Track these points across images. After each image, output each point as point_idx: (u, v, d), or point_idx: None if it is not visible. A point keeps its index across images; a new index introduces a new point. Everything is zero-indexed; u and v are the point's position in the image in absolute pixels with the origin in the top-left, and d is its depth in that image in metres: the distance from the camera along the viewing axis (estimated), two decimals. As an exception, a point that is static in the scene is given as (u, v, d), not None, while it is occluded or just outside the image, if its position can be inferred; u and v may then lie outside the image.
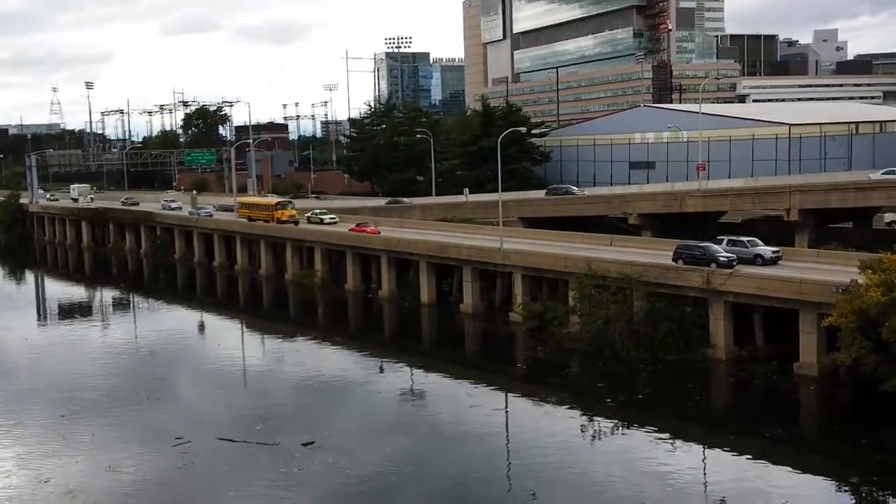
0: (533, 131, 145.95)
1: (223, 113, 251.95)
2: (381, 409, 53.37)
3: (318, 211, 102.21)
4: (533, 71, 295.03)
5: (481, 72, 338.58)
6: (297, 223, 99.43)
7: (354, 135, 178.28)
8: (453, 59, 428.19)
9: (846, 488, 39.65)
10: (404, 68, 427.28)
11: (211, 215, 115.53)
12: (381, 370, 64.42)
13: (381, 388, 58.12)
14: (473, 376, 60.54)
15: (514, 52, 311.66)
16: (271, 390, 57.89)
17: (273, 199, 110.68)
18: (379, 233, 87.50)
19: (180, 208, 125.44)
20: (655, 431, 47.27)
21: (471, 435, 47.55)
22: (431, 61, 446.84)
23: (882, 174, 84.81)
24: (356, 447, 45.68)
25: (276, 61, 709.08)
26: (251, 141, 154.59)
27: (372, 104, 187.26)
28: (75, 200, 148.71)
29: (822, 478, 41.12)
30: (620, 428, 48.43)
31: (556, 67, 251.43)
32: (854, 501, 38.53)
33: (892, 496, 38.49)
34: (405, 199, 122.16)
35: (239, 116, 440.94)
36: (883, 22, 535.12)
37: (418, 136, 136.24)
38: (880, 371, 46.54)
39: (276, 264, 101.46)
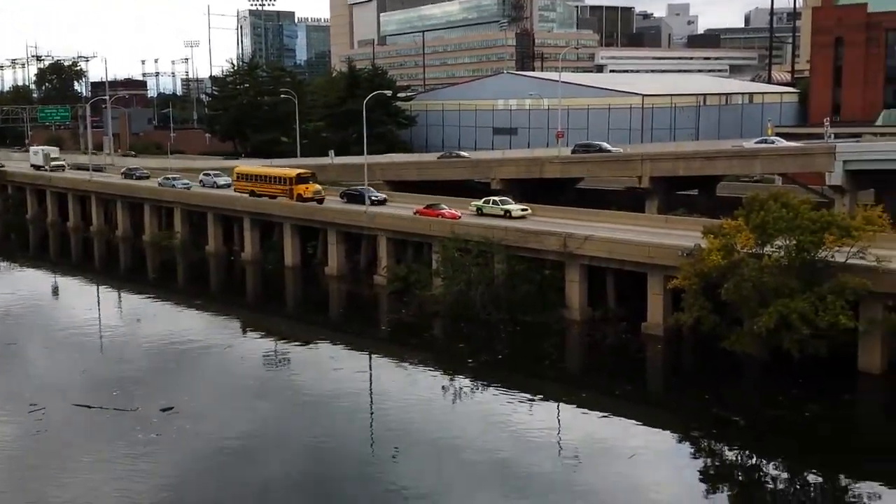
0: (399, 95, 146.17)
1: (78, 68, 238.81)
2: (243, 373, 52.90)
3: (497, 200, 73.89)
4: (399, 34, 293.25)
5: (347, 33, 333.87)
6: (321, 201, 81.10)
7: (216, 93, 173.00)
8: (319, 20, 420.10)
9: (688, 441, 42.39)
10: (268, 27, 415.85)
11: (189, 187, 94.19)
12: (244, 334, 63.77)
13: (243, 353, 57.55)
14: (337, 339, 60.81)
15: (381, 14, 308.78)
16: (128, 355, 56.22)
17: (292, 171, 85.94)
18: (459, 217, 69.86)
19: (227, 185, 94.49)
20: (514, 390, 49.00)
21: (333, 398, 47.91)
22: (296, 20, 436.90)
23: (755, 143, 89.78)
24: (217, 412, 45.28)
25: (134, 16, 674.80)
26: (108, 98, 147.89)
27: (235, 62, 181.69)
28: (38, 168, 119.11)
29: (668, 431, 43.77)
30: (480, 387, 49.93)
31: (423, 31, 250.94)
32: (695, 452, 41.25)
33: (729, 447, 41.44)
34: (464, 153, 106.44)
35: (95, 72, 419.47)
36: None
37: (283, 96, 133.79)
38: (719, 330, 49.83)
39: (133, 225, 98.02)
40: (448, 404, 47.25)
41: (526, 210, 71.66)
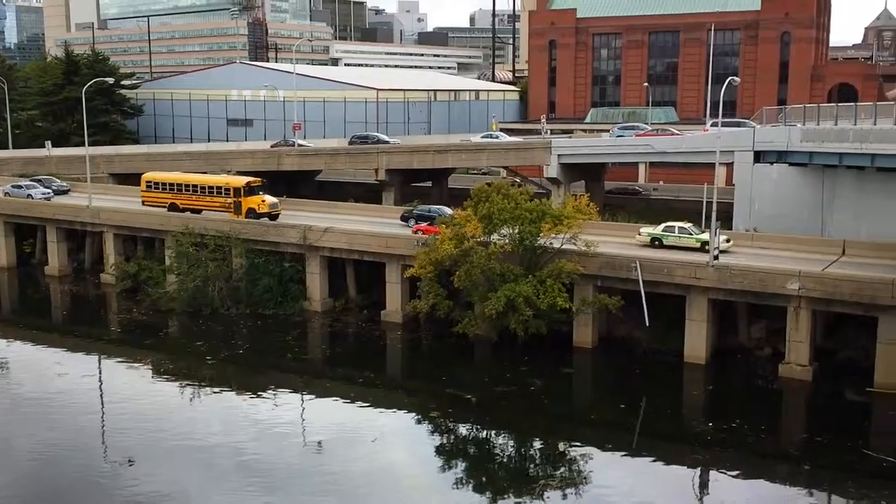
0: (123, 82, 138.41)
1: None
2: (-47, 385, 48.26)
3: (684, 227, 55.37)
4: (122, 18, 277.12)
5: (63, 15, 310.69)
6: (276, 217, 64.16)
7: None
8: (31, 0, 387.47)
9: (427, 420, 44.32)
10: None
11: (49, 197, 75.82)
12: (-49, 343, 57.99)
13: (-48, 363, 52.43)
14: (61, 343, 57.15)
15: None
16: None
17: (239, 179, 66.82)
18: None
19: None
20: (256, 385, 48.71)
21: (59, 405, 44.99)
22: (4, 1, 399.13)
23: (481, 137, 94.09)
24: (-77, 429, 41.03)
25: None
26: None
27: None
28: None
29: (408, 413, 45.50)
30: (221, 385, 49.01)
31: (148, 16, 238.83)
32: (433, 431, 43.26)
33: (463, 424, 43.87)
34: (302, 142, 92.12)
35: None
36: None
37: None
38: (453, 315, 52.54)
39: None
40: (186, 404, 45.96)
41: (729, 241, 53.76)
